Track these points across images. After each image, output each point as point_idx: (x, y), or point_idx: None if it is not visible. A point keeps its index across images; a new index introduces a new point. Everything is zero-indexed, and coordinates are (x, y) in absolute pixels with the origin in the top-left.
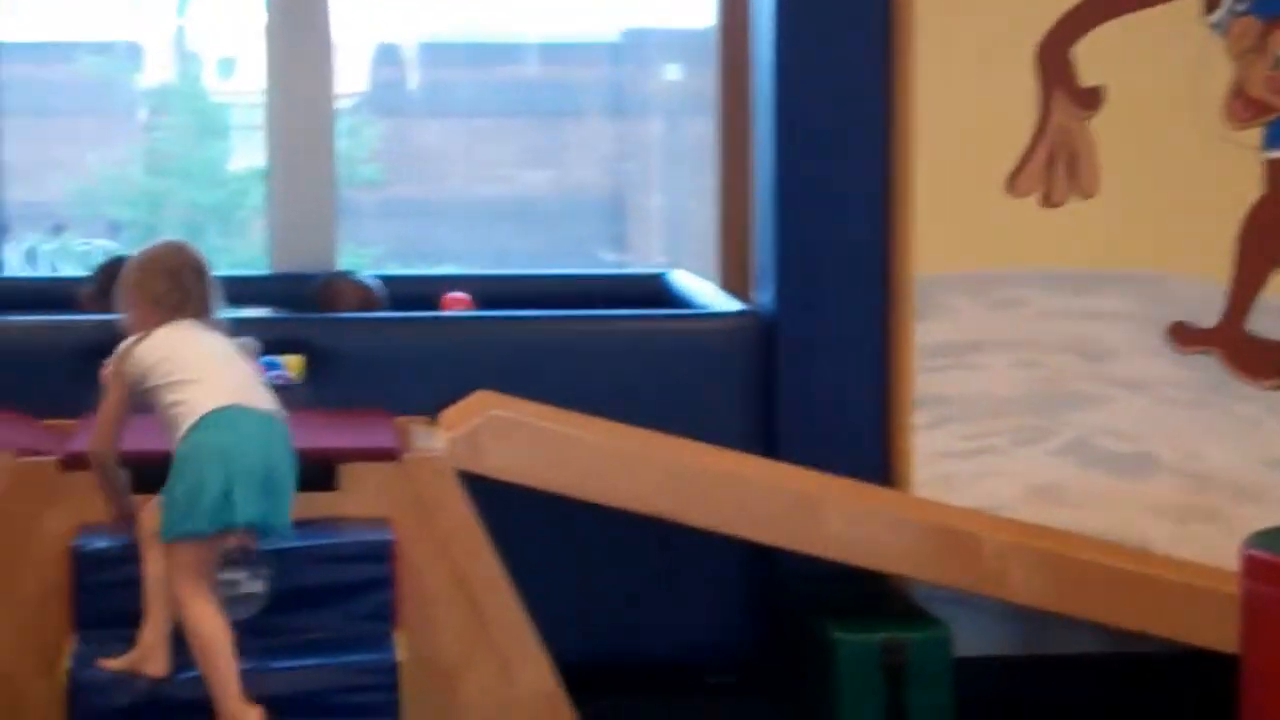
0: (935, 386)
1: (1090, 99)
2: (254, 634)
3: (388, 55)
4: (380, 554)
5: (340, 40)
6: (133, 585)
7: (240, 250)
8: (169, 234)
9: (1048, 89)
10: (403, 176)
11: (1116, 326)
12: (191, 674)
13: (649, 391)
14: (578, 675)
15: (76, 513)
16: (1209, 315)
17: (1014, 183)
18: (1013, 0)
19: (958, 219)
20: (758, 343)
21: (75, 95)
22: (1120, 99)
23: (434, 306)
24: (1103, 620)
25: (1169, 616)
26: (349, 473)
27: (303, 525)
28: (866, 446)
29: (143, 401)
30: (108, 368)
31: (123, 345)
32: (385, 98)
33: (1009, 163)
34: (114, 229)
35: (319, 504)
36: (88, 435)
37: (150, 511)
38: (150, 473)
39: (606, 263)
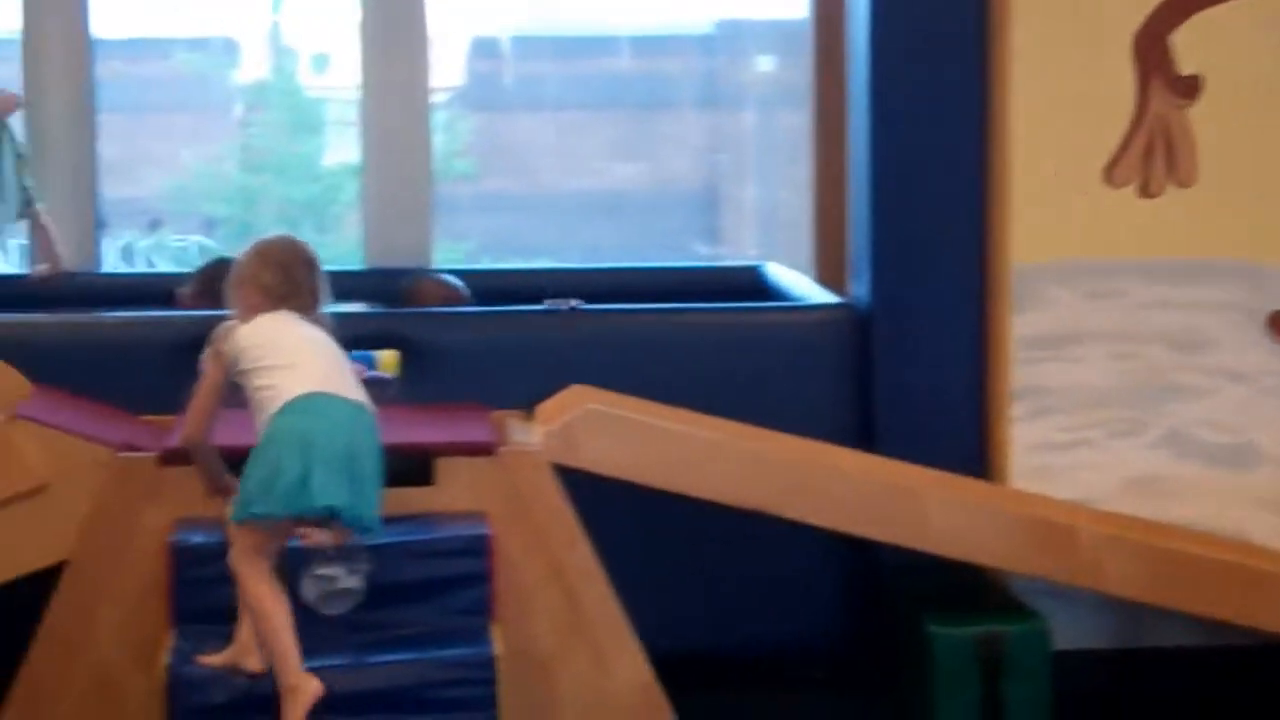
0: (1032, 378)
1: (1188, 88)
2: (352, 629)
3: (480, 49)
4: (477, 548)
5: (434, 35)
6: (231, 580)
7: (334, 245)
8: (264, 229)
9: (1145, 78)
10: (495, 170)
11: (1214, 317)
12: None
13: (744, 385)
14: (673, 668)
15: (175, 508)
16: None
17: (1111, 173)
18: None
19: (1055, 209)
20: (853, 335)
21: (171, 91)
22: (1218, 87)
23: (527, 301)
24: (1200, 612)
25: (1268, 608)
26: (445, 467)
27: (399, 520)
28: (963, 439)
29: (236, 389)
30: (207, 352)
31: (222, 328)
32: (477, 92)
33: (1106, 152)
34: (209, 225)
35: (415, 499)
36: (185, 417)
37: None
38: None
39: (699, 255)
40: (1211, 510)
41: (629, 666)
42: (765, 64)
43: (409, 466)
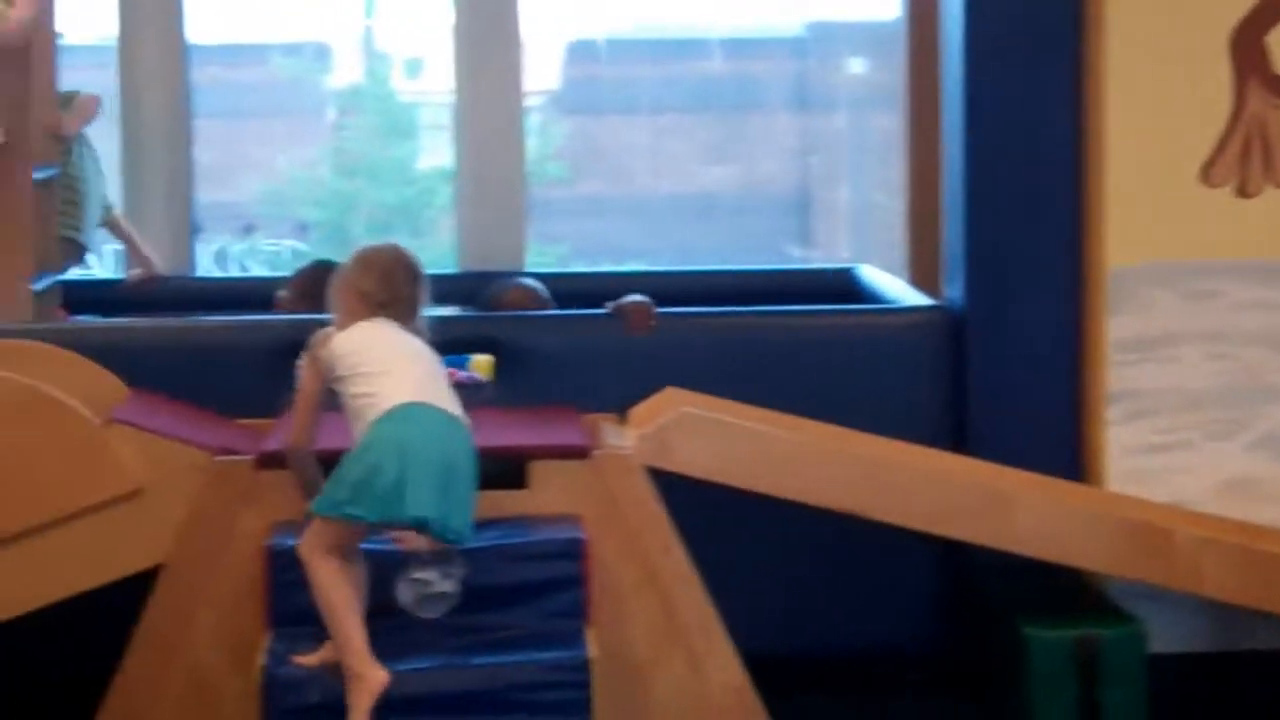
0: (1128, 381)
1: None
2: (447, 633)
3: (572, 53)
4: (572, 551)
5: (527, 39)
6: None
7: (428, 249)
8: (357, 234)
9: (1242, 78)
10: (587, 174)
11: None
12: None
13: (838, 387)
14: (767, 672)
15: (272, 511)
16: None
17: (1208, 173)
18: None
19: (1151, 210)
20: (947, 338)
21: (266, 96)
22: None
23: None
24: None
25: None
26: (538, 470)
27: (493, 524)
28: (1058, 442)
29: (333, 394)
30: (303, 358)
31: (319, 334)
32: (569, 95)
33: (1203, 153)
34: (302, 229)
35: (509, 502)
36: (286, 427)
37: None
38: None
39: (792, 258)
40: None
41: (723, 670)
42: (857, 65)
43: (502, 470)
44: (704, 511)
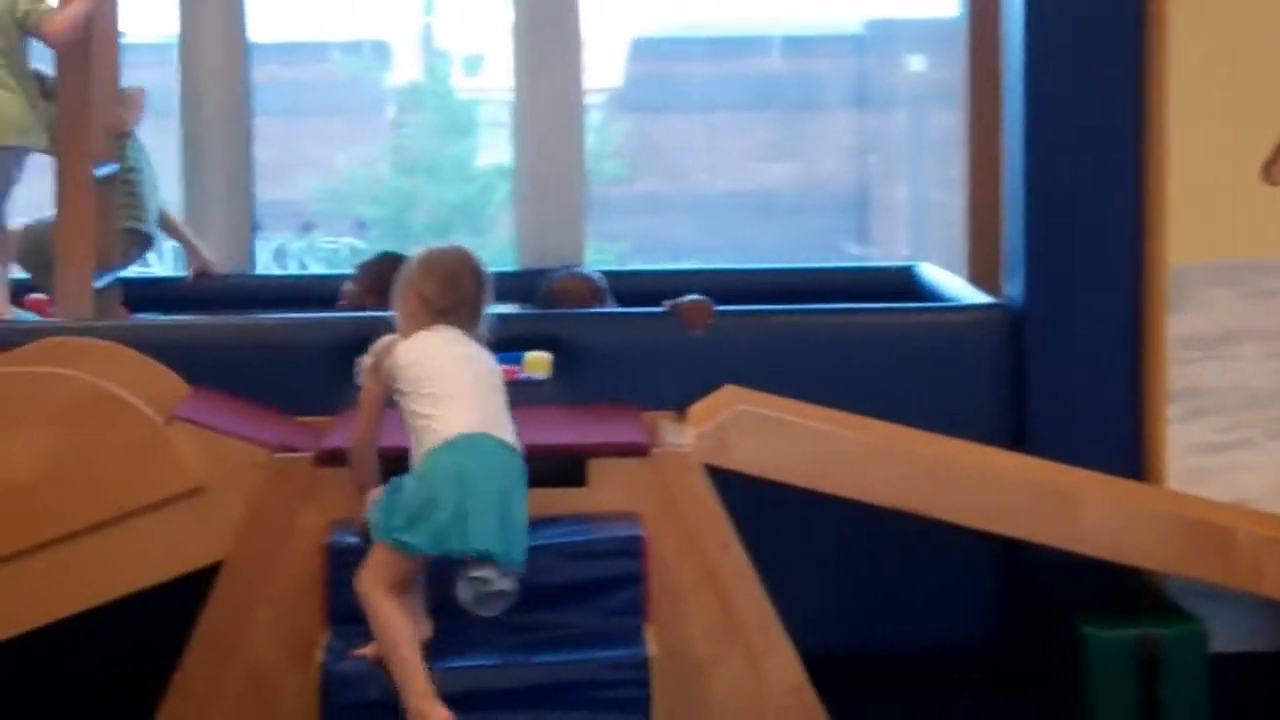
0: (1189, 379)
1: None
2: (506, 630)
3: (631, 51)
4: (631, 549)
5: (588, 36)
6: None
7: (487, 247)
8: (416, 231)
9: None
10: (645, 171)
11: None
12: (444, 666)
13: (897, 385)
14: (825, 670)
15: (331, 509)
16: None
17: (1269, 171)
18: None
19: (1212, 208)
20: (1007, 336)
21: (325, 94)
22: None
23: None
24: None
25: None
26: (597, 468)
27: (552, 522)
28: (1118, 440)
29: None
30: (366, 362)
31: (382, 342)
32: (627, 93)
33: (1264, 151)
34: (360, 227)
35: (567, 500)
36: (347, 431)
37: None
38: (401, 468)
39: (850, 256)
40: None
41: (782, 668)
42: (916, 63)
43: (561, 467)
44: (762, 509)
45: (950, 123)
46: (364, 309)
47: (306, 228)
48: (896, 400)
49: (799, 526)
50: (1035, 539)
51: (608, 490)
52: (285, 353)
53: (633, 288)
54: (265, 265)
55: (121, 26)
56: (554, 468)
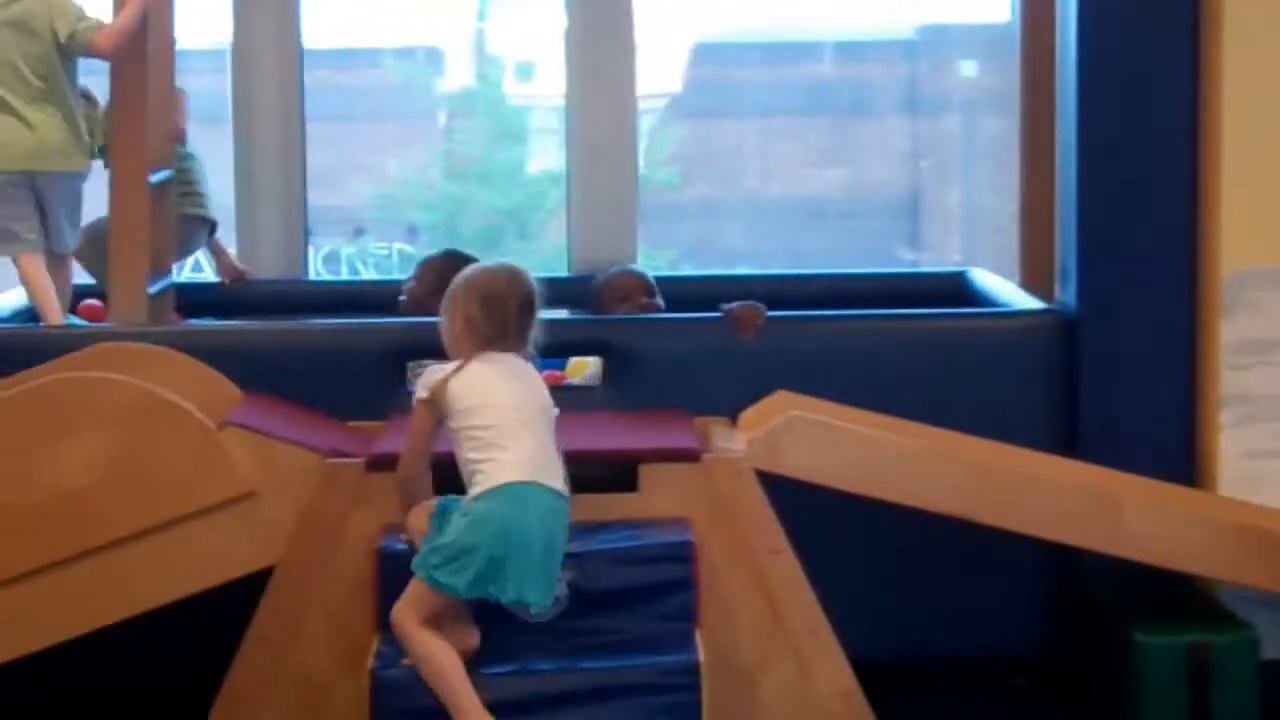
0: (1241, 385)
1: None
2: (557, 636)
3: (691, 56)
4: (682, 555)
5: (640, 42)
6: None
7: (538, 253)
8: (467, 237)
9: None
10: (699, 177)
11: None
12: (494, 672)
13: (949, 391)
14: (874, 675)
15: (382, 514)
16: None
17: None
18: None
19: (1266, 213)
20: (1060, 341)
21: (377, 100)
22: None
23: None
24: None
25: None
26: (648, 473)
27: (603, 527)
28: (1171, 446)
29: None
30: (417, 387)
31: (436, 375)
32: (679, 99)
33: None
34: (412, 233)
35: (618, 505)
36: (398, 437)
37: (419, 516)
38: (451, 475)
39: (903, 261)
40: None
41: (832, 674)
42: (968, 69)
43: (613, 473)
44: (813, 515)
45: (1002, 128)
46: (426, 308)
47: (358, 233)
48: (948, 406)
49: (849, 532)
50: (1086, 544)
51: (659, 495)
52: (337, 358)
53: (684, 293)
54: (317, 271)
55: (176, 33)
56: (605, 473)
